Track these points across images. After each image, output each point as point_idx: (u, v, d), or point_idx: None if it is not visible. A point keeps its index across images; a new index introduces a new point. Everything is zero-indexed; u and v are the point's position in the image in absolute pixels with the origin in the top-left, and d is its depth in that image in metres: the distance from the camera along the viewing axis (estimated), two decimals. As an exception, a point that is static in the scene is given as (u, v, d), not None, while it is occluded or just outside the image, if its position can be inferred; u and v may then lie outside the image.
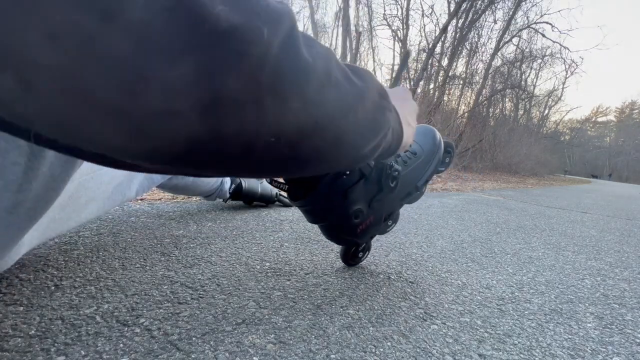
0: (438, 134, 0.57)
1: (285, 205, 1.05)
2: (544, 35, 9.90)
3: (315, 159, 0.21)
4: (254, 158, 0.17)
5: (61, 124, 0.12)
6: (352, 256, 0.57)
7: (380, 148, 0.27)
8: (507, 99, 10.45)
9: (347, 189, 0.42)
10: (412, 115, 0.39)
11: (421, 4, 14.00)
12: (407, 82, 7.41)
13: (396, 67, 8.12)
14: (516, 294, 0.57)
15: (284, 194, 1.06)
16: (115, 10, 0.11)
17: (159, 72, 0.12)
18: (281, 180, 0.44)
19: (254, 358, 0.32)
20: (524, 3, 8.58)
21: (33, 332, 0.32)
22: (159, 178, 0.63)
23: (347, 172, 0.41)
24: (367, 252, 0.60)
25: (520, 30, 9.31)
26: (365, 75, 0.24)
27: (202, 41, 0.13)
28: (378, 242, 0.77)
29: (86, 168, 0.42)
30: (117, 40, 0.11)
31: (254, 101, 0.15)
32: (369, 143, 0.25)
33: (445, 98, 7.80)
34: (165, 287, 0.44)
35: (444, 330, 0.42)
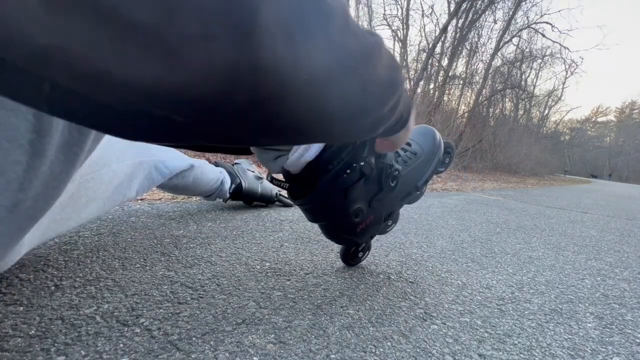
0: (438, 134, 0.57)
1: (285, 205, 1.05)
2: (544, 35, 9.90)
3: (342, 107, 0.20)
4: (290, 102, 0.16)
5: (87, 56, 0.11)
6: (352, 256, 0.57)
7: (397, 110, 0.26)
8: (507, 99, 10.45)
9: (347, 188, 0.42)
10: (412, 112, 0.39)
11: (421, 4, 14.00)
12: (407, 82, 7.41)
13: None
14: (516, 294, 0.57)
15: (284, 193, 1.06)
16: None
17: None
18: (281, 178, 0.44)
19: (254, 358, 0.32)
20: (524, 3, 8.59)
21: (33, 332, 0.32)
22: (159, 178, 0.63)
23: (348, 171, 0.41)
24: (367, 252, 0.60)
25: (520, 30, 9.31)
26: (374, 32, 0.24)
27: None
28: (378, 242, 0.77)
29: (86, 168, 0.42)
30: None
31: (286, 34, 0.15)
32: (390, 99, 0.24)
33: (445, 98, 7.80)
34: (165, 287, 0.44)
35: (444, 330, 0.42)
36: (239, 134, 0.17)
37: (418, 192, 0.55)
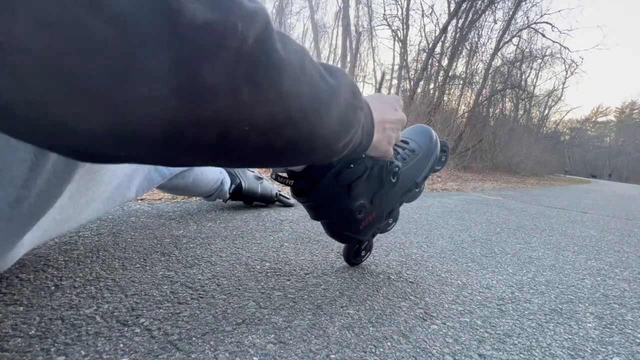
0: (434, 133, 0.59)
1: (285, 205, 1.05)
2: (544, 35, 9.89)
3: (289, 150, 0.22)
4: (230, 145, 0.18)
5: (45, 105, 0.13)
6: (355, 255, 0.58)
7: (351, 144, 0.29)
8: (507, 99, 10.44)
9: (350, 183, 0.43)
10: (396, 125, 0.40)
11: (421, 4, 13.99)
12: (407, 82, 7.41)
13: (396, 67, 8.12)
14: (516, 294, 0.57)
15: (284, 193, 1.06)
16: (102, 1, 0.12)
17: (142, 60, 0.13)
18: (285, 175, 0.44)
19: (254, 358, 0.32)
20: (524, 3, 8.58)
21: (33, 332, 0.32)
22: (158, 179, 0.63)
23: (352, 165, 0.42)
24: (369, 252, 0.61)
25: (520, 30, 9.31)
26: (338, 73, 0.25)
27: (180, 33, 0.14)
28: (378, 242, 0.77)
29: (86, 169, 0.42)
30: (103, 29, 0.12)
31: (230, 90, 0.16)
32: (341, 139, 0.26)
33: (445, 98, 7.80)
34: (165, 287, 0.44)
35: (444, 330, 0.42)
36: (189, 163, 0.20)
37: (417, 190, 0.56)
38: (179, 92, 0.14)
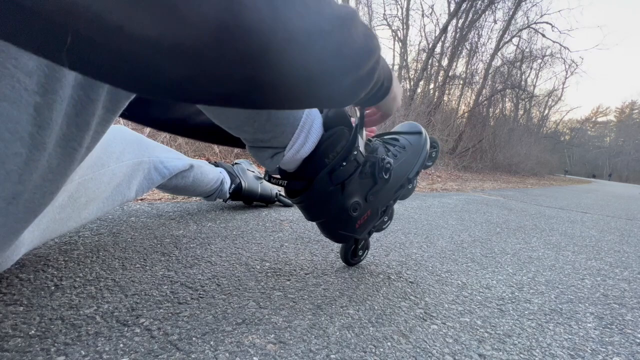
0: (424, 130, 0.60)
1: (285, 205, 1.05)
2: (544, 35, 9.90)
3: (320, 66, 0.21)
4: (272, 58, 0.18)
5: (105, 13, 0.13)
6: (352, 254, 0.58)
7: (375, 75, 0.28)
8: (507, 99, 10.44)
9: (344, 181, 0.43)
10: (399, 89, 0.40)
11: (421, 4, 14.00)
12: (407, 82, 7.41)
13: (396, 67, 8.11)
14: (516, 294, 0.57)
15: (284, 193, 1.06)
16: None
17: None
18: (278, 175, 0.44)
19: (254, 358, 0.32)
20: (524, 3, 8.59)
21: (33, 332, 0.32)
22: (158, 178, 0.63)
23: (344, 164, 0.42)
24: (366, 251, 0.61)
25: (520, 30, 9.31)
26: (349, 6, 0.25)
27: None
28: (378, 242, 0.77)
29: (85, 169, 0.42)
30: None
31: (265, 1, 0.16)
32: (365, 63, 0.25)
33: (445, 98, 7.80)
34: (165, 287, 0.44)
35: (444, 330, 0.42)
36: (232, 90, 0.19)
37: (410, 186, 0.57)
38: None
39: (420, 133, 0.58)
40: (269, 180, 0.44)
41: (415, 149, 0.56)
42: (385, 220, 0.57)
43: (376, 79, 0.29)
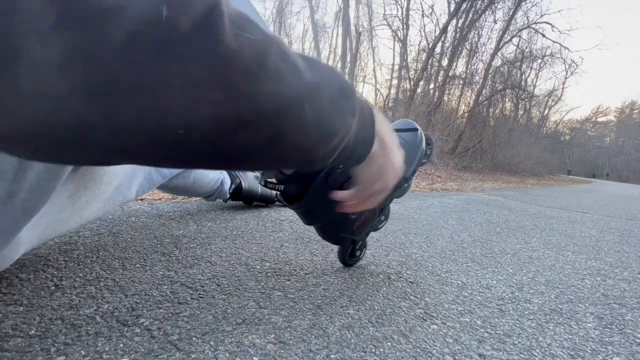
0: (419, 127, 0.59)
1: (285, 205, 1.04)
2: (544, 35, 9.89)
3: (246, 156, 0.19)
4: (164, 150, 0.16)
5: None
6: (350, 255, 0.58)
7: (338, 152, 0.25)
8: (507, 99, 10.44)
9: (341, 184, 0.43)
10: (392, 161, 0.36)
11: (421, 4, 13.98)
12: (407, 82, 7.41)
13: (396, 67, 8.11)
14: (516, 294, 0.57)
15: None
16: None
17: (28, 51, 0.11)
18: (274, 180, 0.44)
19: (254, 358, 0.32)
20: (524, 3, 8.58)
21: (33, 332, 0.32)
22: (159, 179, 0.63)
23: (341, 166, 0.42)
24: (364, 250, 0.61)
25: (520, 30, 9.31)
26: (323, 70, 0.22)
27: (81, 17, 0.12)
28: (378, 242, 0.77)
29: (85, 169, 0.42)
30: None
31: (155, 88, 0.14)
32: (321, 146, 0.22)
33: (445, 98, 7.80)
34: (165, 287, 0.44)
35: (444, 330, 0.42)
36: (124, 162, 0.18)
37: (407, 185, 0.56)
38: (82, 89, 0.12)
39: (415, 130, 0.58)
40: (265, 186, 0.43)
41: (411, 148, 0.56)
42: (382, 219, 0.57)
43: (335, 158, 0.25)
